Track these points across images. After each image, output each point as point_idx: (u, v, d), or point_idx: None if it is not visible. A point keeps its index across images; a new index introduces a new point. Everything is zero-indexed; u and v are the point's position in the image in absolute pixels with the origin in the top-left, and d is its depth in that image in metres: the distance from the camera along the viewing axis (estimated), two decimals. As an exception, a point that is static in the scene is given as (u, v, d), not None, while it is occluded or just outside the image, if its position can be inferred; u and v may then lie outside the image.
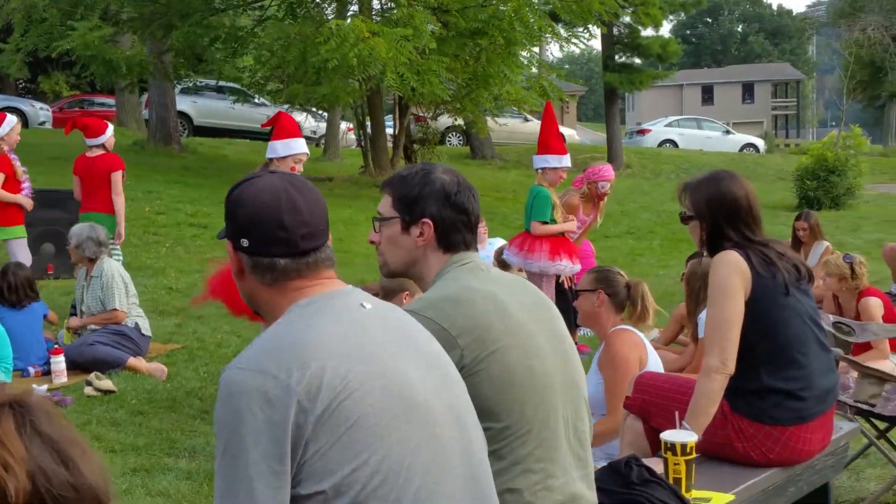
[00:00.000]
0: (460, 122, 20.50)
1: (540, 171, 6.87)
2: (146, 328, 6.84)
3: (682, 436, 2.98)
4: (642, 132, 33.32)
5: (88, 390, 5.95)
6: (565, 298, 6.46)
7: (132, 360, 6.49)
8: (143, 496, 4.33)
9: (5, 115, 7.71)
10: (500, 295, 2.42)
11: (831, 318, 5.53)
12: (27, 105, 26.25)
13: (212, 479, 3.19)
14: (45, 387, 6.00)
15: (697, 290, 5.18)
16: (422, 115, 19.88)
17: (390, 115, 18.78)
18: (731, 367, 3.17)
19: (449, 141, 27.79)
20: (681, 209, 3.53)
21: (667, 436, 2.98)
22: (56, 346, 6.45)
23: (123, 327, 6.66)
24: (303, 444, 1.71)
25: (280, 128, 5.82)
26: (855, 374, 4.56)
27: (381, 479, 1.72)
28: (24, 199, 7.68)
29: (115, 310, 6.68)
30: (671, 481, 2.92)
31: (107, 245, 6.96)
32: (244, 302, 2.09)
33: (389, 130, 19.63)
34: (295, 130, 5.88)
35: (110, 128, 8.08)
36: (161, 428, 5.33)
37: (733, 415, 3.26)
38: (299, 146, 5.77)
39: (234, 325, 7.49)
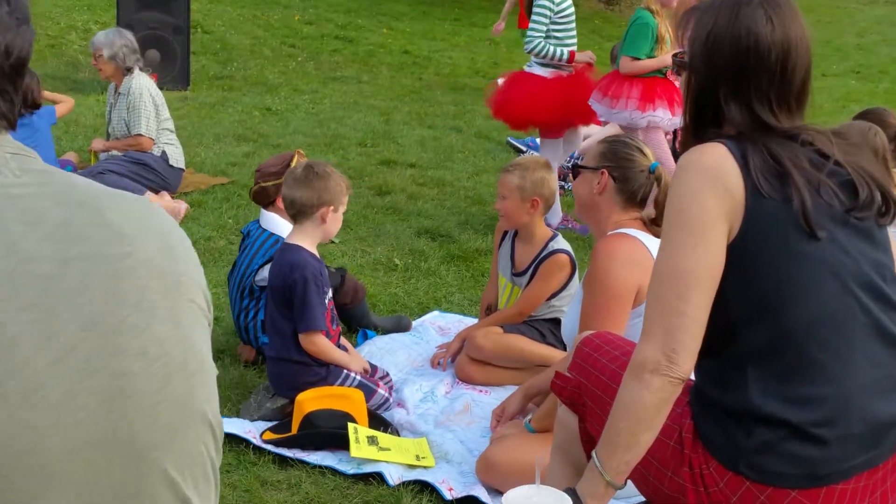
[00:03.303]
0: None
1: None
2: (177, 158, 5.84)
3: (548, 500, 1.56)
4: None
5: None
6: None
7: (151, 196, 5.55)
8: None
9: None
10: None
11: None
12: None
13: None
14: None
15: None
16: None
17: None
18: (686, 365, 1.67)
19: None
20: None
21: (513, 499, 1.57)
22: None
23: (147, 156, 5.71)
24: None
25: None
26: None
27: None
28: None
29: (140, 135, 5.70)
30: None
31: (139, 53, 5.92)
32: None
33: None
34: None
35: None
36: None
37: (696, 446, 1.78)
38: None
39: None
